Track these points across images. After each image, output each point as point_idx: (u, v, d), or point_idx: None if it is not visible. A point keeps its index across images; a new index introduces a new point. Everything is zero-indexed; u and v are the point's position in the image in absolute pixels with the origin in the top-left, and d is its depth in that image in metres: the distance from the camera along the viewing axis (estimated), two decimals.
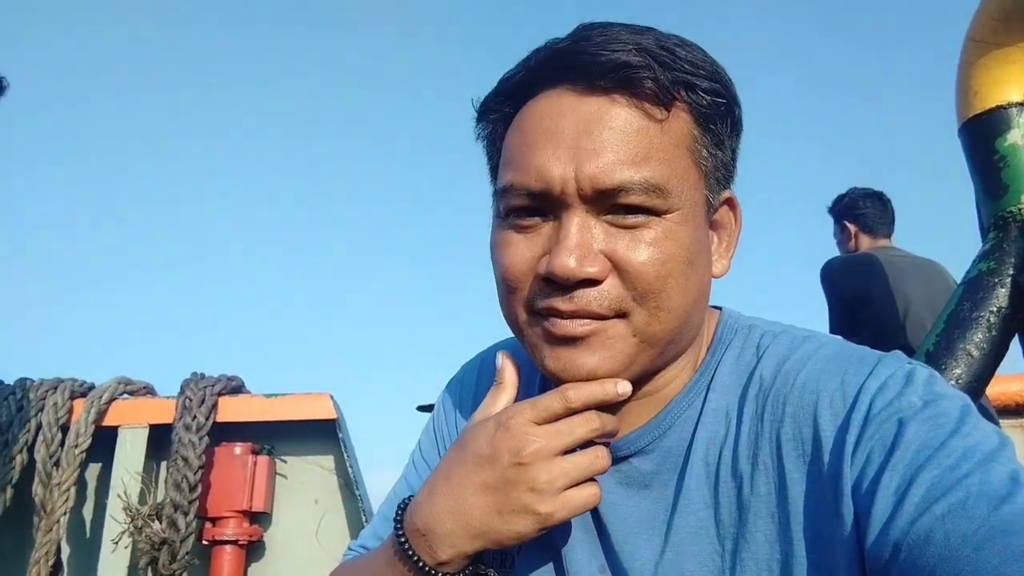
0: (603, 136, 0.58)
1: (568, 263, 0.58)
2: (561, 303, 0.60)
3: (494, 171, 0.67)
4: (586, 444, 0.62)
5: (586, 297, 0.59)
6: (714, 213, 0.66)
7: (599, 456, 0.62)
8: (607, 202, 0.59)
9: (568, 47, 0.61)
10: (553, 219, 0.61)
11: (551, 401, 0.61)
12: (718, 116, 0.62)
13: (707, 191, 0.63)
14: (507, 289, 0.64)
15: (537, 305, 0.62)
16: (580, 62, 0.59)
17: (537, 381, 0.76)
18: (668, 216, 0.60)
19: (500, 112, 0.66)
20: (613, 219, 0.59)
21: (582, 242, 0.59)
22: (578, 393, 0.61)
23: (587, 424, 0.62)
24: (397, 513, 0.67)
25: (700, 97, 0.61)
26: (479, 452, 0.62)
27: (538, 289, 0.61)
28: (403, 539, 0.64)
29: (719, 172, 0.64)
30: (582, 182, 0.58)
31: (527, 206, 0.61)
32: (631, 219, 0.59)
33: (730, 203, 0.68)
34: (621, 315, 0.60)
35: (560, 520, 0.60)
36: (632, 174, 0.58)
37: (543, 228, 0.62)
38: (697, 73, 0.60)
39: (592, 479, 0.62)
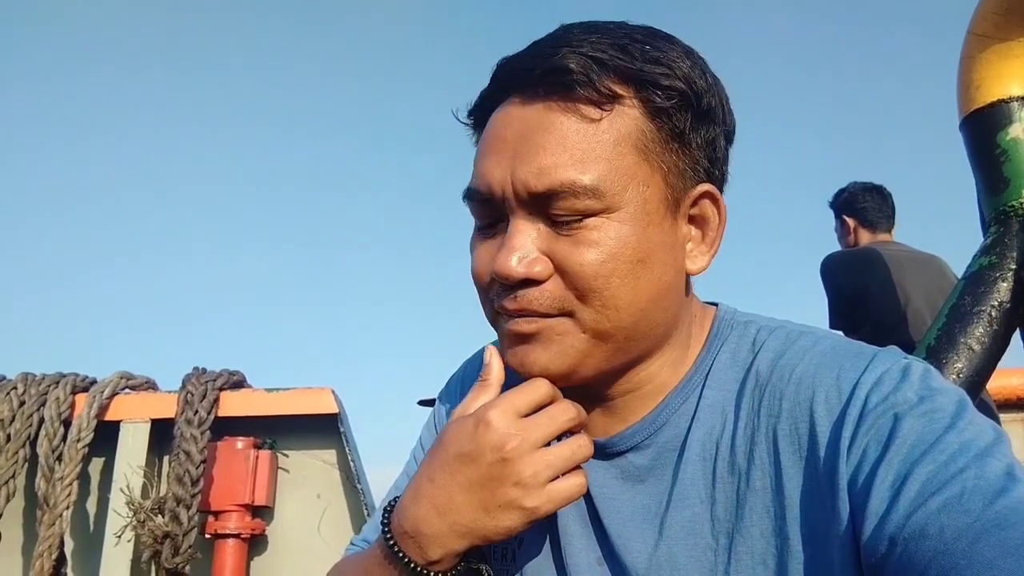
0: (538, 140, 0.60)
1: (506, 264, 0.60)
2: (508, 302, 0.62)
3: None
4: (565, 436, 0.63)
5: (528, 296, 0.61)
6: (690, 208, 0.65)
7: (581, 445, 0.63)
8: (544, 204, 0.60)
9: (515, 57, 0.63)
10: (506, 223, 0.63)
11: (529, 390, 0.63)
12: (674, 110, 0.61)
13: (666, 186, 0.62)
14: (478, 291, 0.67)
15: (496, 305, 0.64)
16: (524, 72, 0.62)
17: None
18: (609, 215, 0.60)
19: (478, 121, 0.69)
20: (553, 221, 0.60)
21: (521, 244, 0.61)
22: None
23: (565, 414, 0.63)
24: (384, 516, 0.67)
25: (652, 93, 0.60)
26: (461, 450, 0.62)
27: (496, 290, 0.63)
28: (392, 542, 0.64)
29: (684, 167, 0.63)
30: (517, 186, 0.60)
31: (484, 211, 0.64)
32: (569, 220, 0.60)
33: (711, 198, 0.66)
34: (566, 314, 0.61)
35: (547, 513, 0.61)
36: (563, 177, 0.58)
37: (500, 232, 0.63)
38: (651, 69, 0.60)
39: (577, 468, 0.63)
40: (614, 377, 0.67)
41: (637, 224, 0.60)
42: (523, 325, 0.62)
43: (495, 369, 0.67)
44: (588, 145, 0.59)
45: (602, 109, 0.60)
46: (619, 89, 0.60)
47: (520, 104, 0.62)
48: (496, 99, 0.65)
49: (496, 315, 0.65)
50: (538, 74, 0.61)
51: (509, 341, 0.64)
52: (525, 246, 0.61)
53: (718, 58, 0.68)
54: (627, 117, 0.60)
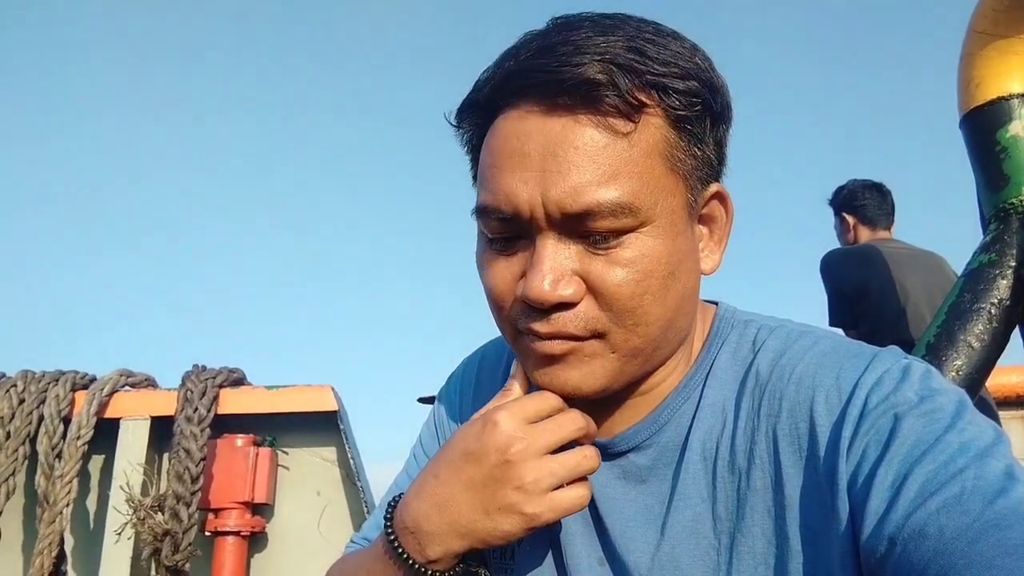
0: (568, 157, 0.56)
1: (541, 288, 0.57)
2: (539, 325, 0.60)
3: (476, 178, 0.66)
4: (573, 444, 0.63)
5: (562, 319, 0.59)
6: (701, 210, 0.64)
7: (588, 456, 0.62)
8: (578, 224, 0.57)
9: (530, 63, 0.58)
10: (529, 240, 0.60)
11: (540, 399, 0.62)
12: (695, 115, 0.60)
13: (688, 192, 0.61)
14: (494, 308, 0.65)
15: (519, 326, 0.62)
16: (543, 80, 0.57)
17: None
18: (642, 231, 0.58)
19: (472, 123, 0.65)
20: (585, 240, 0.58)
21: (555, 266, 0.58)
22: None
23: (574, 423, 0.62)
24: (387, 511, 0.67)
25: (672, 99, 0.58)
26: (467, 449, 0.62)
27: (519, 310, 0.61)
28: (393, 537, 0.64)
29: (701, 170, 0.62)
30: (549, 206, 0.57)
31: (502, 228, 0.61)
32: (603, 240, 0.58)
33: (719, 197, 0.65)
34: (598, 335, 0.60)
35: (547, 521, 0.60)
36: (599, 196, 0.56)
37: (520, 249, 0.61)
38: (669, 73, 0.58)
39: (582, 479, 0.62)
40: (635, 384, 0.66)
41: (667, 236, 0.59)
42: (554, 347, 0.60)
43: (519, 383, 0.66)
44: (620, 160, 0.57)
45: (631, 121, 0.57)
46: (644, 97, 0.58)
47: (540, 115, 0.58)
48: (498, 103, 0.61)
49: (518, 334, 0.63)
50: (560, 84, 0.56)
51: (537, 362, 0.62)
52: (557, 268, 0.58)
53: (717, 53, 0.68)
54: (652, 127, 0.58)
